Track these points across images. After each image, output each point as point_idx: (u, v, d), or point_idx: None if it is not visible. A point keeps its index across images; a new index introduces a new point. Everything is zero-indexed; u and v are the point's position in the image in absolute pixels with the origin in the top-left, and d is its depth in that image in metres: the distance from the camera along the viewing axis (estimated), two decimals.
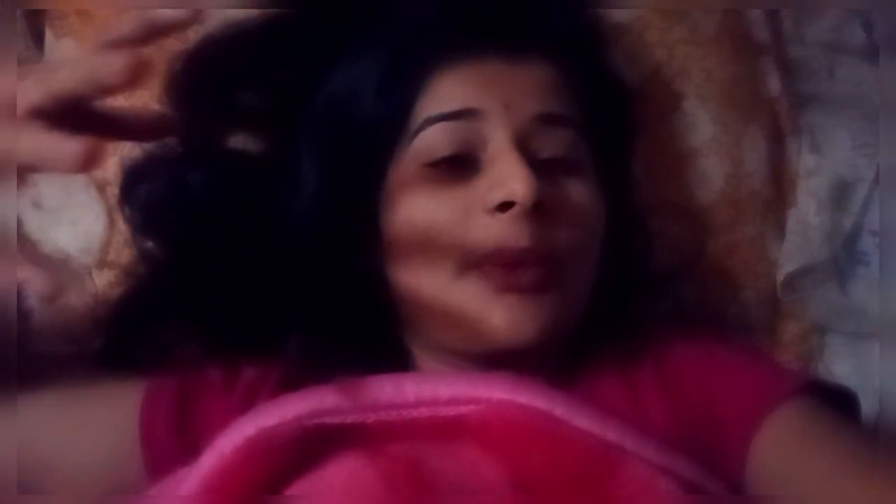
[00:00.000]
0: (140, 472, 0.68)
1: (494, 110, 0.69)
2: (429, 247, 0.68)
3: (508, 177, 0.66)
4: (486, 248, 0.67)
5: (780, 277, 0.88)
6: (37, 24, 0.88)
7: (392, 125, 0.70)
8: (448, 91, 0.70)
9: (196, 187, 0.78)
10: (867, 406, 0.74)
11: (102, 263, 0.84)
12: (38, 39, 0.88)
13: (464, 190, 0.68)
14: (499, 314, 0.67)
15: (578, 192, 0.71)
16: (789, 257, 0.88)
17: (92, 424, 0.71)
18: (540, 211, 0.67)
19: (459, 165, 0.69)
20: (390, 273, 0.72)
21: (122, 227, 0.82)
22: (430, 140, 0.69)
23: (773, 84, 0.91)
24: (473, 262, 0.67)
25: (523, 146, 0.69)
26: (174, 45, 0.80)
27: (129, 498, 0.64)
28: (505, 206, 0.67)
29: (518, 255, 0.67)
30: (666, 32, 0.88)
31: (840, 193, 0.89)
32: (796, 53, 0.93)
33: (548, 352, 0.71)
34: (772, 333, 0.89)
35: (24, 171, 0.54)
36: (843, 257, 0.89)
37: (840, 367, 0.88)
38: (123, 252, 0.82)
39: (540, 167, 0.68)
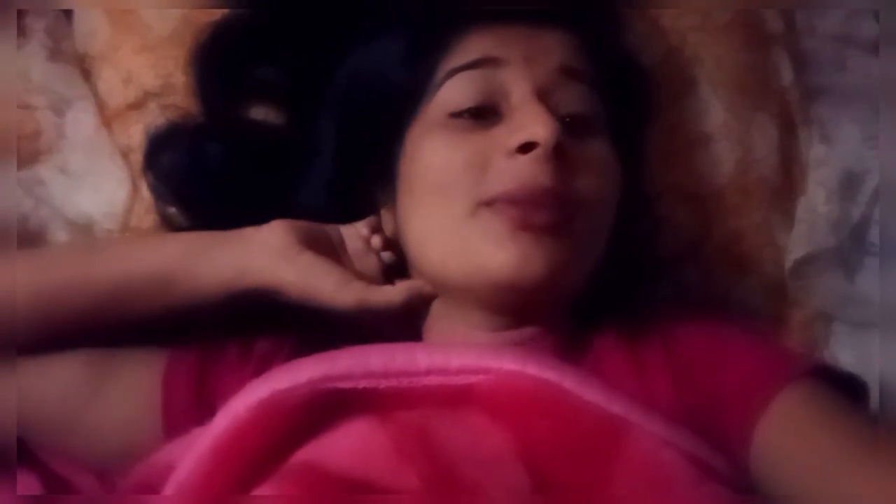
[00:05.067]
0: (158, 437, 0.69)
1: (516, 61, 0.71)
2: (446, 186, 0.69)
3: (530, 121, 0.68)
4: (505, 188, 0.68)
5: (788, 264, 0.89)
6: None
7: (416, 85, 0.72)
8: (471, 46, 0.72)
9: (217, 157, 0.80)
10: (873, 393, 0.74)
11: (125, 229, 0.85)
12: (66, 10, 0.90)
13: (484, 136, 0.70)
14: (509, 251, 0.67)
15: (597, 148, 0.72)
16: (798, 244, 0.89)
17: (116, 386, 0.72)
18: (560, 156, 0.68)
19: (481, 115, 0.71)
20: (403, 222, 0.73)
21: (144, 193, 0.84)
22: (454, 90, 0.71)
23: (785, 74, 0.92)
24: (488, 200, 0.68)
25: (544, 97, 0.70)
26: (201, 18, 0.83)
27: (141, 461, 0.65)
28: (526, 149, 0.68)
29: (539, 194, 0.68)
30: (679, 19, 0.90)
31: (848, 184, 0.90)
32: (808, 45, 0.94)
33: (556, 313, 0.73)
34: (778, 320, 0.89)
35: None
36: (851, 247, 0.90)
37: (845, 355, 0.89)
38: (146, 218, 0.84)
39: (561, 119, 0.70)
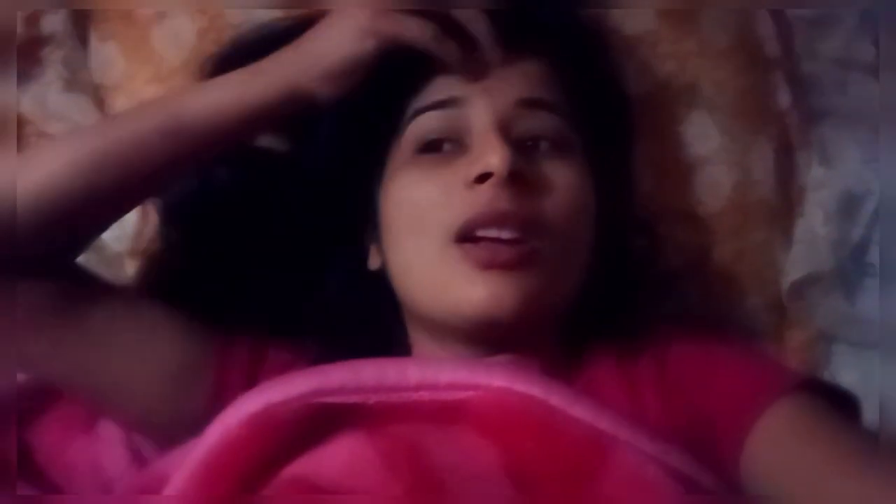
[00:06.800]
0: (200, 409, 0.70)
1: (477, 96, 0.73)
2: (417, 224, 0.72)
3: (486, 151, 0.70)
4: (467, 217, 0.70)
5: (785, 285, 0.90)
6: (82, 29, 0.94)
7: (389, 120, 0.75)
8: (436, 85, 0.75)
9: (222, 182, 0.82)
10: (873, 415, 0.75)
11: (134, 251, 0.88)
12: (83, 42, 0.94)
13: (448, 170, 0.72)
14: (479, 290, 0.69)
15: (562, 172, 0.74)
16: (795, 265, 0.90)
17: (170, 341, 0.74)
18: (519, 182, 0.70)
19: (448, 152, 0.73)
20: (387, 259, 0.76)
21: (154, 216, 0.86)
22: (419, 129, 0.74)
23: (783, 98, 0.93)
24: (456, 237, 0.70)
25: (505, 128, 0.72)
26: (209, 47, 0.85)
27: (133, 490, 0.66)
28: (483, 178, 0.70)
29: (499, 218, 0.69)
30: (677, 45, 0.91)
31: (848, 205, 0.91)
32: (808, 69, 0.95)
33: (541, 337, 0.74)
34: (778, 340, 0.90)
35: None
36: (851, 268, 0.91)
37: (846, 376, 0.89)
38: (156, 241, 0.86)
39: (522, 147, 0.72)
